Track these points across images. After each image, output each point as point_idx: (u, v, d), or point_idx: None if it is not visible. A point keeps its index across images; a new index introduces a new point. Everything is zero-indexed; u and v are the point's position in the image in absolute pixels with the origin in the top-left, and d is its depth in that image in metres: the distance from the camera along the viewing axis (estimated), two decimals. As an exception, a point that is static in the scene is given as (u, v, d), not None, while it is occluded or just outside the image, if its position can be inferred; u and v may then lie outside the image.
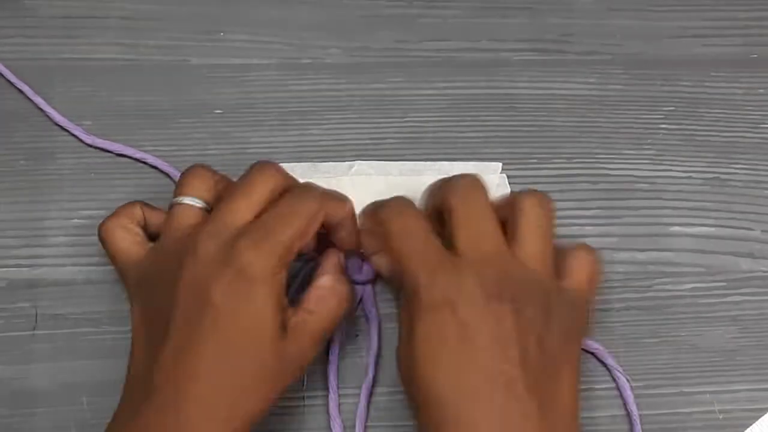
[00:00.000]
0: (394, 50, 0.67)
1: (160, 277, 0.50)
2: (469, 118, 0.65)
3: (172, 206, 0.52)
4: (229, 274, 0.48)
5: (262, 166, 0.53)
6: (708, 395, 0.57)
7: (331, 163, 0.63)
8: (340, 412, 0.56)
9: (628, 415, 0.57)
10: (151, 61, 0.66)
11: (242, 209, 0.50)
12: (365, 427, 0.56)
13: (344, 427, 0.56)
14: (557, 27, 0.68)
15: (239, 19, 0.68)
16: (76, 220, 0.61)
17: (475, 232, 0.50)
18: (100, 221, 0.55)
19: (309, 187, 0.53)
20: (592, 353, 0.58)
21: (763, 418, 0.57)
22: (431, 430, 0.47)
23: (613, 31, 0.68)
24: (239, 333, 0.48)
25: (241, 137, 0.64)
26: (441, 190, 0.53)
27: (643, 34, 0.68)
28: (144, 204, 0.55)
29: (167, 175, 0.62)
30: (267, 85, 0.65)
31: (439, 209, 0.52)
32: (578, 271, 0.52)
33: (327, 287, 0.52)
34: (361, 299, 0.58)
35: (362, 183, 0.62)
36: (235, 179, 0.53)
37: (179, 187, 0.53)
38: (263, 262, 0.48)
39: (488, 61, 0.67)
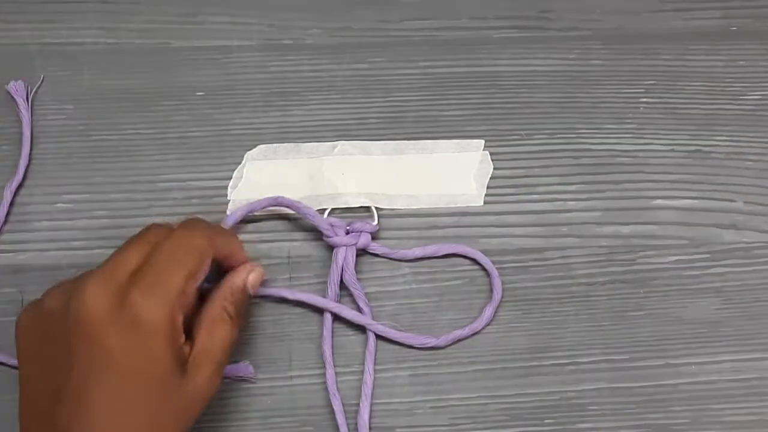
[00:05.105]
0: (375, 30, 0.67)
1: (50, 325, 0.49)
2: (451, 97, 0.65)
3: None
4: (123, 323, 0.47)
5: (155, 224, 0.52)
6: (693, 367, 0.58)
7: (314, 143, 0.63)
8: (338, 388, 0.57)
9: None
10: (131, 45, 0.66)
11: (132, 257, 0.49)
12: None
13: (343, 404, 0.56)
14: (537, 3, 0.68)
15: (219, 0, 0.67)
16: (59, 205, 0.61)
17: None
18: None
19: (196, 224, 0.53)
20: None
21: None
22: None
23: (592, 7, 0.68)
24: (137, 379, 0.47)
25: (223, 119, 0.64)
26: None
27: (622, 8, 0.68)
28: None
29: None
30: (248, 66, 0.65)
31: None
32: None
33: (215, 318, 0.52)
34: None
35: (346, 162, 0.62)
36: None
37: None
38: (157, 310, 0.47)
39: (469, 39, 0.67)
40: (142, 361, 0.47)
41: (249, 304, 0.56)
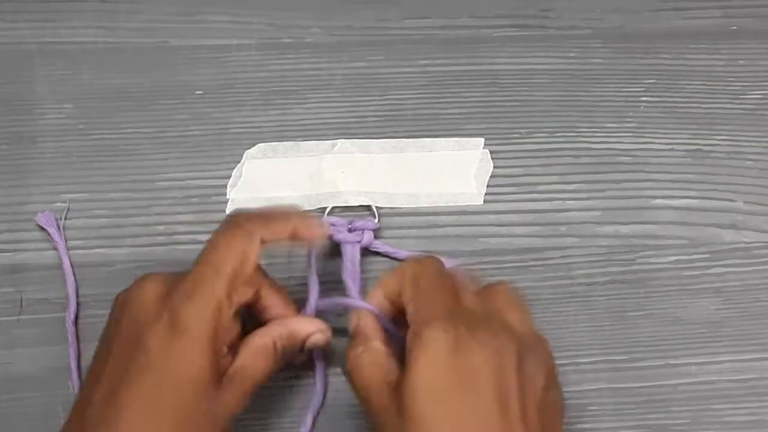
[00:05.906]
0: (374, 29, 0.67)
1: (108, 323, 0.50)
2: (450, 95, 0.65)
3: None
4: (162, 322, 0.47)
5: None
6: (693, 367, 0.57)
7: (313, 141, 0.63)
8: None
9: None
10: (131, 44, 0.66)
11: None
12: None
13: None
14: (537, 2, 0.68)
15: (218, -1, 0.68)
16: (58, 204, 0.61)
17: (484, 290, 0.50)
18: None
19: (238, 219, 0.52)
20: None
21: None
22: None
23: (592, 5, 0.68)
24: (169, 379, 0.47)
25: (222, 118, 0.64)
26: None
27: (622, 7, 0.68)
28: None
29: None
30: (248, 65, 0.65)
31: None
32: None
33: (263, 346, 0.51)
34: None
35: (345, 161, 0.62)
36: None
37: None
38: (195, 313, 0.47)
39: (469, 38, 0.67)
40: (177, 360, 0.47)
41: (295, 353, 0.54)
